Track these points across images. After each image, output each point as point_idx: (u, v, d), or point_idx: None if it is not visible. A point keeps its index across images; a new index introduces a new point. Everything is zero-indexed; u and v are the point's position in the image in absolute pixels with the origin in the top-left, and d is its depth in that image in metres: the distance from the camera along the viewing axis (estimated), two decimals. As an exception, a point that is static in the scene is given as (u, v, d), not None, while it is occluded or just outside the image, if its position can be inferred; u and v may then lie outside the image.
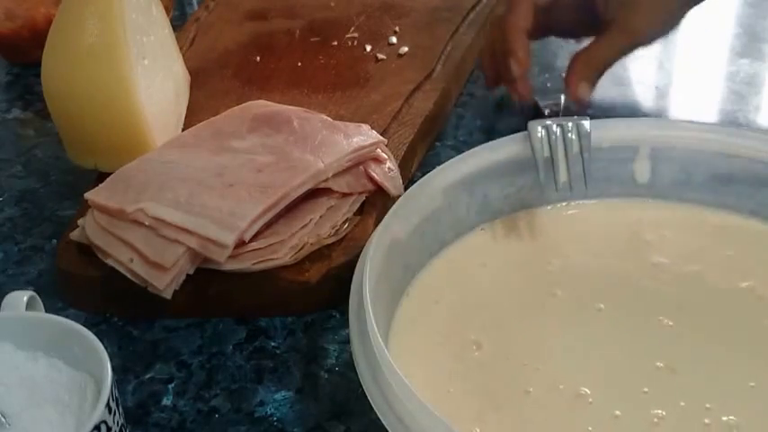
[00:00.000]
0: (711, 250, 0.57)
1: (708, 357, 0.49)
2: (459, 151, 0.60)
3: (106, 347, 0.43)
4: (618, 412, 0.46)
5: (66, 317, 0.46)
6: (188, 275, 0.54)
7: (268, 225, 0.55)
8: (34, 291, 0.50)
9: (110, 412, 0.41)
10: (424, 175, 0.57)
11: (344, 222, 0.58)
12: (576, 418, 0.46)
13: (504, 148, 0.59)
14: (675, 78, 0.83)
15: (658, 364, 0.49)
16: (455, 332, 0.52)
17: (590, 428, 0.45)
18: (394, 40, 0.80)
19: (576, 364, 0.49)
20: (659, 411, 0.46)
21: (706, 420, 0.46)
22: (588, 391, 0.47)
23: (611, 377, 0.48)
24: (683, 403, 0.46)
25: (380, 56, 0.78)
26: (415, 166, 0.69)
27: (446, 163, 0.57)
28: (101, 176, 0.61)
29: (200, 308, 0.56)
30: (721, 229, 0.58)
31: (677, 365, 0.49)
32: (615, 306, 0.53)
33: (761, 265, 0.55)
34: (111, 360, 0.43)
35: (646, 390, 0.47)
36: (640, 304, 0.53)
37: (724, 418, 0.45)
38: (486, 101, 0.78)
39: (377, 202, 0.60)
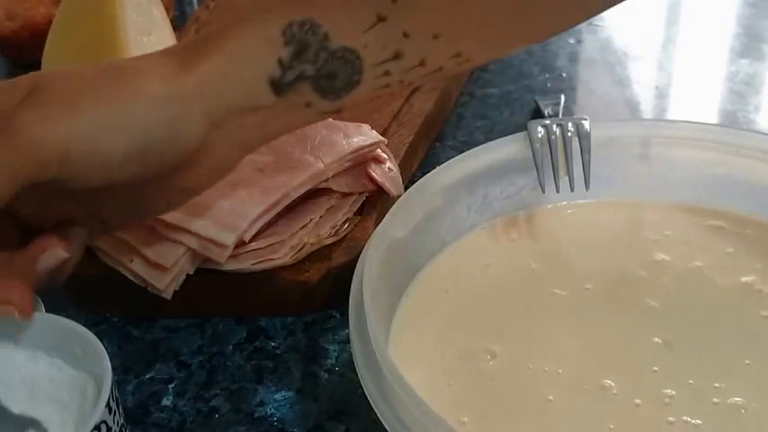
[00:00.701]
0: (712, 248, 0.57)
1: (709, 340, 0.50)
2: (460, 151, 0.60)
3: (106, 347, 0.43)
4: (638, 401, 0.46)
5: (67, 317, 0.46)
6: (188, 275, 0.54)
7: (268, 225, 0.55)
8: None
9: (110, 412, 0.41)
10: (424, 175, 0.57)
11: (344, 222, 0.58)
12: (598, 415, 0.46)
13: (504, 148, 0.59)
14: (675, 78, 0.83)
15: (662, 345, 0.50)
16: (456, 332, 0.52)
17: (611, 426, 0.46)
18: (394, 40, 0.80)
19: (592, 361, 0.49)
20: (670, 391, 0.47)
21: (715, 399, 0.46)
22: (612, 383, 0.48)
23: (625, 364, 0.49)
24: (691, 381, 0.47)
25: (380, 56, 0.78)
26: (415, 166, 0.69)
27: (446, 163, 0.57)
28: (101, 176, 0.61)
29: (200, 308, 0.56)
30: (721, 228, 0.58)
31: (681, 348, 0.49)
32: (619, 301, 0.53)
33: (761, 262, 0.55)
34: (111, 360, 0.42)
35: (655, 369, 0.48)
36: (644, 299, 0.53)
37: (730, 400, 0.46)
38: (486, 101, 0.78)
39: (377, 202, 0.60)
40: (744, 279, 0.54)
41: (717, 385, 0.47)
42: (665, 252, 0.56)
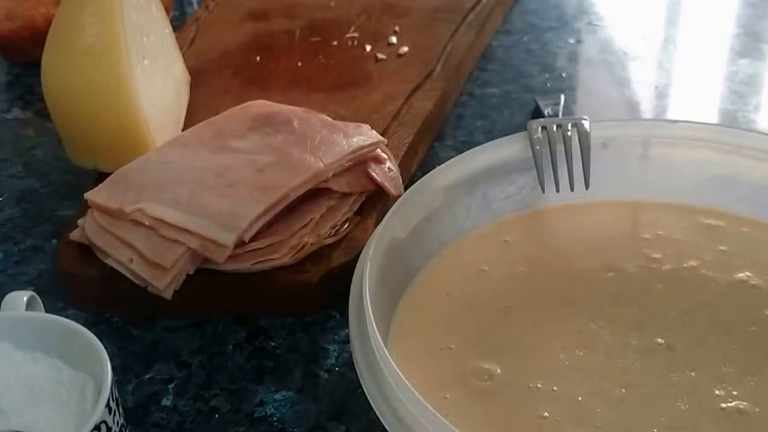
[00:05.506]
0: (706, 247, 0.57)
1: (710, 343, 0.50)
2: (459, 151, 0.60)
3: (106, 347, 0.43)
4: (638, 411, 0.46)
5: (66, 317, 0.46)
6: (188, 275, 0.54)
7: (268, 225, 0.55)
8: (34, 291, 0.50)
9: (110, 412, 0.41)
10: (424, 175, 0.57)
11: (344, 222, 0.58)
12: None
13: (504, 148, 0.59)
14: (675, 78, 0.83)
15: (663, 347, 0.49)
16: (455, 333, 0.51)
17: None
18: (394, 40, 0.81)
19: (589, 371, 0.49)
20: (672, 401, 0.47)
21: (722, 405, 0.46)
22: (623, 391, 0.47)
23: (624, 372, 0.48)
24: (695, 390, 0.47)
25: (380, 56, 0.78)
26: (415, 166, 0.69)
27: (446, 163, 0.57)
28: (101, 176, 0.61)
29: (200, 308, 0.56)
30: (718, 227, 0.58)
31: (684, 355, 0.49)
32: (616, 305, 0.53)
33: (755, 258, 0.55)
34: (111, 360, 0.43)
35: (656, 376, 0.48)
36: (642, 302, 0.53)
37: (732, 404, 0.46)
38: (486, 101, 0.78)
39: (377, 202, 0.60)
40: (738, 275, 0.54)
41: (718, 392, 0.47)
42: (664, 252, 0.56)
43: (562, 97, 0.69)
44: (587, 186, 0.58)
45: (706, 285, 0.54)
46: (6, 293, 0.49)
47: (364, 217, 0.59)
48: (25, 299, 0.48)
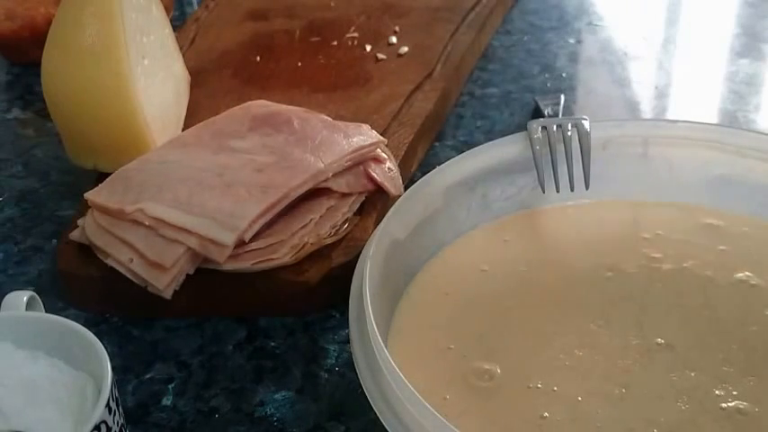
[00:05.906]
0: (706, 247, 0.57)
1: (710, 343, 0.50)
2: (459, 151, 0.60)
3: (106, 347, 0.43)
4: (638, 412, 0.46)
5: (66, 317, 0.46)
6: (188, 275, 0.54)
7: (268, 225, 0.55)
8: (34, 291, 0.50)
9: (110, 412, 0.41)
10: (424, 175, 0.57)
11: (344, 222, 0.58)
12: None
13: (504, 148, 0.59)
14: (675, 78, 0.83)
15: (665, 352, 0.49)
16: (455, 333, 0.51)
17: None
18: (394, 40, 0.81)
19: (589, 372, 0.49)
20: (672, 401, 0.47)
21: (723, 405, 0.46)
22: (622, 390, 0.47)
23: (624, 372, 0.48)
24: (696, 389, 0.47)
25: (380, 56, 0.78)
26: (415, 166, 0.69)
27: (446, 163, 0.57)
28: (101, 176, 0.61)
29: (199, 308, 0.56)
30: (718, 227, 0.58)
31: (684, 355, 0.49)
32: (616, 305, 0.53)
33: (755, 258, 0.55)
34: (111, 360, 0.42)
35: (656, 376, 0.48)
36: (642, 302, 0.53)
37: (732, 404, 0.46)
38: (486, 101, 0.78)
39: (377, 202, 0.60)
40: (737, 275, 0.54)
41: (718, 392, 0.47)
42: (664, 252, 0.56)
43: (562, 97, 0.69)
44: (587, 186, 0.58)
45: (706, 285, 0.54)
46: (6, 293, 0.49)
47: (364, 217, 0.59)
48: (25, 299, 0.48)
